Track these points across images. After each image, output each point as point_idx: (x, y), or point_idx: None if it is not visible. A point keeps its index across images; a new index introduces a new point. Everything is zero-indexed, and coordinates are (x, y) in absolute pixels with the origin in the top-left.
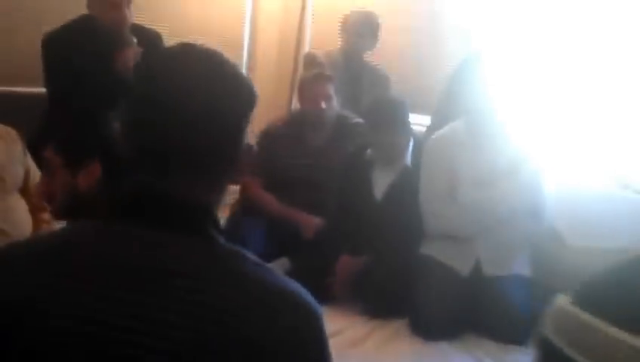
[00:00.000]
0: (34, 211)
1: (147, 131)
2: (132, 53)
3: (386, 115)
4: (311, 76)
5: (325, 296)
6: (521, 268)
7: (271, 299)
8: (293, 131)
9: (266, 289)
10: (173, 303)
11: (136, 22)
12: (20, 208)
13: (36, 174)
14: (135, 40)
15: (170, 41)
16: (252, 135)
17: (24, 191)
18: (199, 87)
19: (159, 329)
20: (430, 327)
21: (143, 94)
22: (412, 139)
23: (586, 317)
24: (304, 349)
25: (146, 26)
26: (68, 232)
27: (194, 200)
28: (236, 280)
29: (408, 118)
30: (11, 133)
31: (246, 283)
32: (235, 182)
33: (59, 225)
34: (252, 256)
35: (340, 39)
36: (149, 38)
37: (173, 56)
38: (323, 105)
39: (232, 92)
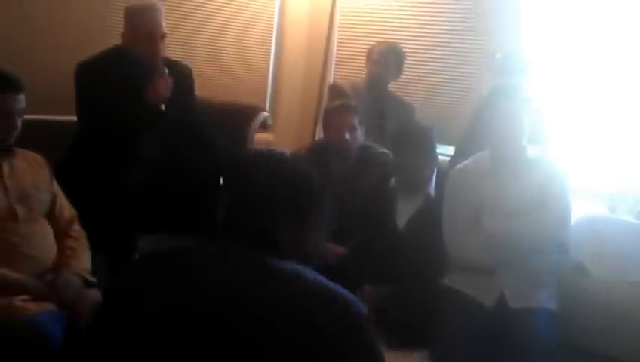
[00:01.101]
0: (59, 237)
1: (242, 206)
2: (163, 83)
3: (412, 138)
4: (335, 107)
5: None
6: (548, 301)
7: (315, 298)
8: (316, 161)
9: (312, 289)
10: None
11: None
12: (47, 234)
13: (63, 200)
14: (167, 70)
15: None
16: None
17: (50, 216)
18: (273, 181)
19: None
20: (452, 360)
21: (241, 185)
22: (436, 169)
23: None
24: (349, 344)
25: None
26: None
27: (269, 236)
28: (283, 285)
29: (434, 143)
30: (38, 158)
31: (288, 286)
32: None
33: (84, 252)
34: (300, 267)
35: (364, 70)
36: (179, 71)
37: (256, 160)
38: (347, 135)
39: (294, 183)
